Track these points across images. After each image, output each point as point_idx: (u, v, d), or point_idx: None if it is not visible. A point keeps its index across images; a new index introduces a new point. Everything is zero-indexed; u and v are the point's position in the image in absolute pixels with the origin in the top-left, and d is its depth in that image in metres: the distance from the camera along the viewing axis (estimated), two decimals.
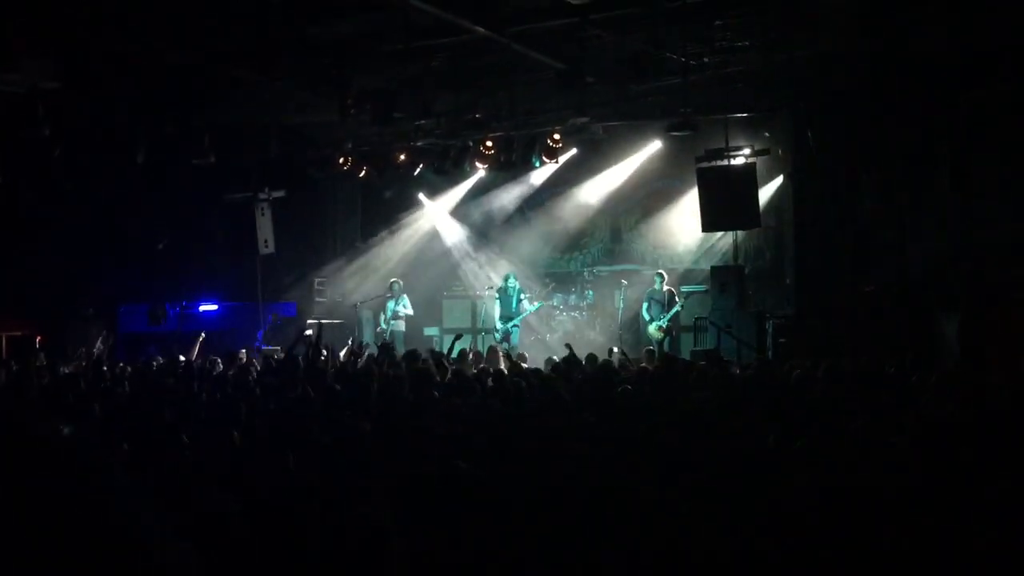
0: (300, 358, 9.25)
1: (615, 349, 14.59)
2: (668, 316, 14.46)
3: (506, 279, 15.66)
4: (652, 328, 14.59)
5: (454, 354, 10.81)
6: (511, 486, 4.43)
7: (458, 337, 12.63)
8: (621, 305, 15.43)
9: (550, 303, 15.99)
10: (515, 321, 15.29)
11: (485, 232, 17.78)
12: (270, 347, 14.32)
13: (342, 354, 11.91)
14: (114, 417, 6.90)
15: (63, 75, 11.19)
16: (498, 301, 15.54)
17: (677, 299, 14.59)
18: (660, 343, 14.35)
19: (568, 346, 11.35)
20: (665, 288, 14.70)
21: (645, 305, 14.85)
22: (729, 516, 4.29)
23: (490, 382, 8.35)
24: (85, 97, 12.16)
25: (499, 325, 15.35)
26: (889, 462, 5.18)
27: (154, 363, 11.11)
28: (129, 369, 10.74)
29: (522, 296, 15.48)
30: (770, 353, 12.19)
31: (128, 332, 15.68)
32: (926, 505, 4.55)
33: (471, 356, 11.87)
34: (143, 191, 14.52)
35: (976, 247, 11.60)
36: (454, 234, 17.94)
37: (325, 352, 10.14)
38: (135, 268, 14.67)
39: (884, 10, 10.43)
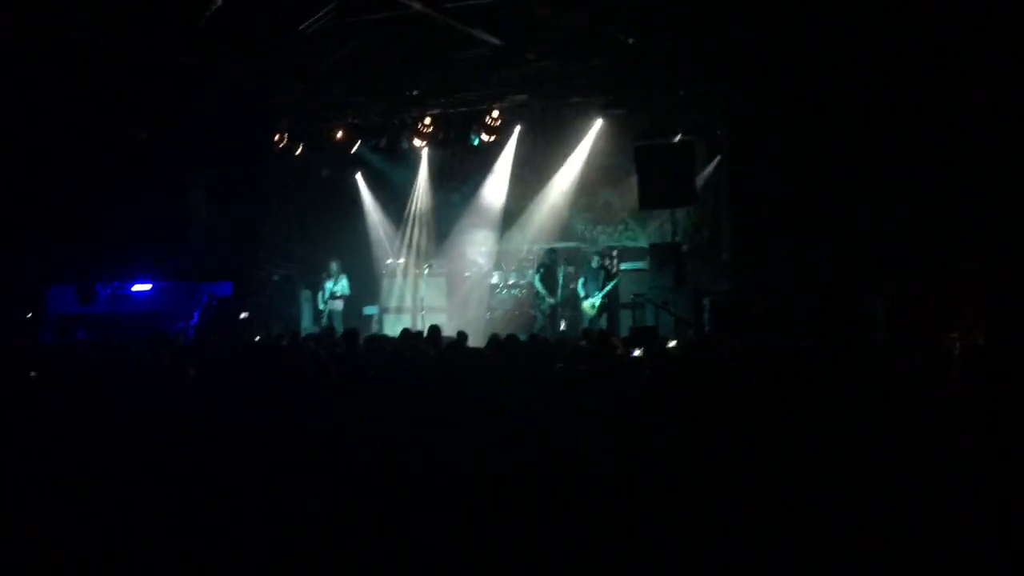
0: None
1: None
2: (602, 293, 14.56)
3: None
4: (586, 305, 14.72)
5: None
6: (439, 464, 4.40)
7: None
8: (561, 282, 15.49)
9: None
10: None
11: (425, 210, 17.63)
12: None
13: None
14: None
15: None
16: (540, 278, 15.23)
17: (613, 276, 14.71)
18: (595, 320, 14.48)
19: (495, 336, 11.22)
20: (601, 265, 14.79)
21: (581, 281, 14.94)
22: (662, 491, 4.32)
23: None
24: (6, 69, 11.72)
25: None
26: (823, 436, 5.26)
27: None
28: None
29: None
30: (706, 329, 12.32)
31: (56, 313, 15.24)
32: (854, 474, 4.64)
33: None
34: (72, 166, 14.08)
35: (907, 223, 11.81)
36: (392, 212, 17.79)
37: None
38: (63, 246, 14.22)
39: None
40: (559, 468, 4.55)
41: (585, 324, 14.30)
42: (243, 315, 12.84)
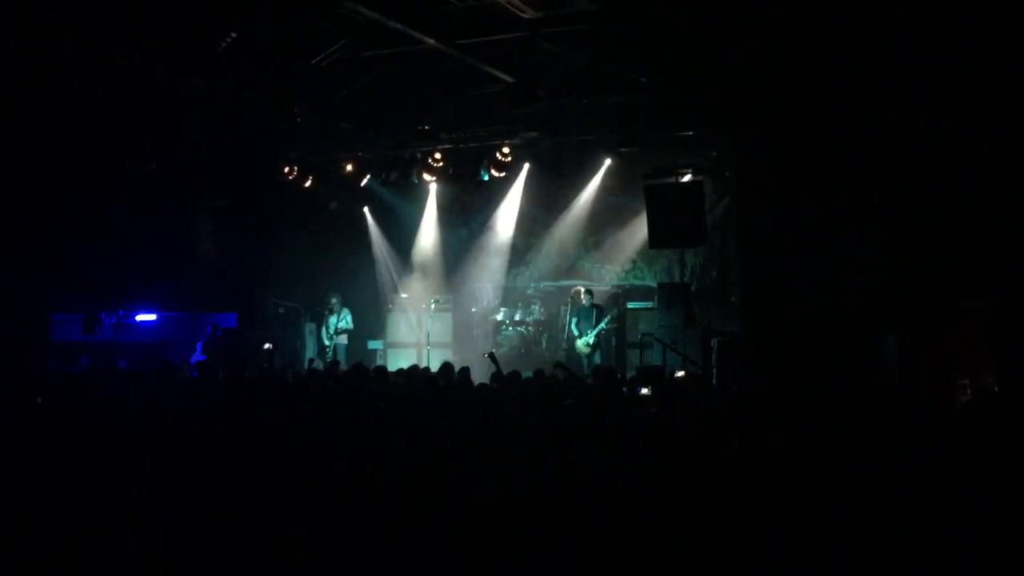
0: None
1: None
2: (595, 331, 14.60)
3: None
4: (580, 343, 14.78)
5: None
6: (448, 501, 4.33)
7: None
8: (567, 320, 15.44)
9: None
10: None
11: (432, 245, 17.60)
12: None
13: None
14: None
15: None
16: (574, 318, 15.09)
17: (605, 315, 14.71)
18: (589, 357, 14.47)
19: (491, 355, 10.98)
20: (592, 304, 14.85)
21: (573, 320, 14.96)
22: (668, 530, 4.24)
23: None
24: (16, 96, 11.77)
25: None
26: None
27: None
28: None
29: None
30: (715, 370, 12.23)
31: (60, 341, 15.18)
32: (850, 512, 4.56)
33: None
34: (80, 195, 14.10)
35: (916, 268, 11.77)
36: (400, 246, 17.76)
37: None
38: (69, 275, 14.19)
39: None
40: (563, 501, 4.49)
41: (583, 363, 14.28)
42: (267, 346, 12.79)
